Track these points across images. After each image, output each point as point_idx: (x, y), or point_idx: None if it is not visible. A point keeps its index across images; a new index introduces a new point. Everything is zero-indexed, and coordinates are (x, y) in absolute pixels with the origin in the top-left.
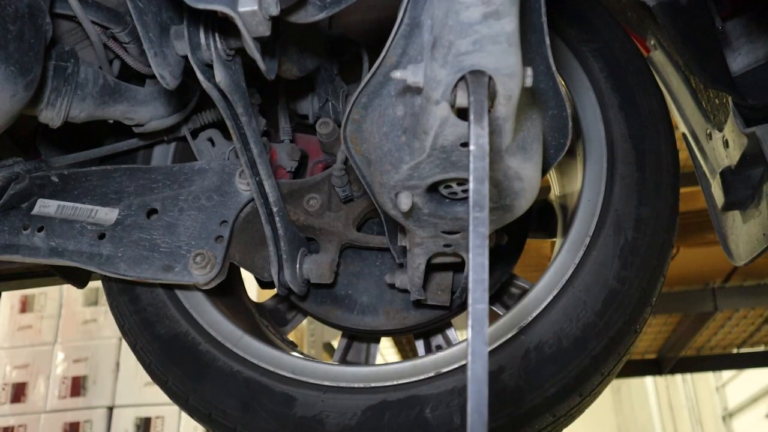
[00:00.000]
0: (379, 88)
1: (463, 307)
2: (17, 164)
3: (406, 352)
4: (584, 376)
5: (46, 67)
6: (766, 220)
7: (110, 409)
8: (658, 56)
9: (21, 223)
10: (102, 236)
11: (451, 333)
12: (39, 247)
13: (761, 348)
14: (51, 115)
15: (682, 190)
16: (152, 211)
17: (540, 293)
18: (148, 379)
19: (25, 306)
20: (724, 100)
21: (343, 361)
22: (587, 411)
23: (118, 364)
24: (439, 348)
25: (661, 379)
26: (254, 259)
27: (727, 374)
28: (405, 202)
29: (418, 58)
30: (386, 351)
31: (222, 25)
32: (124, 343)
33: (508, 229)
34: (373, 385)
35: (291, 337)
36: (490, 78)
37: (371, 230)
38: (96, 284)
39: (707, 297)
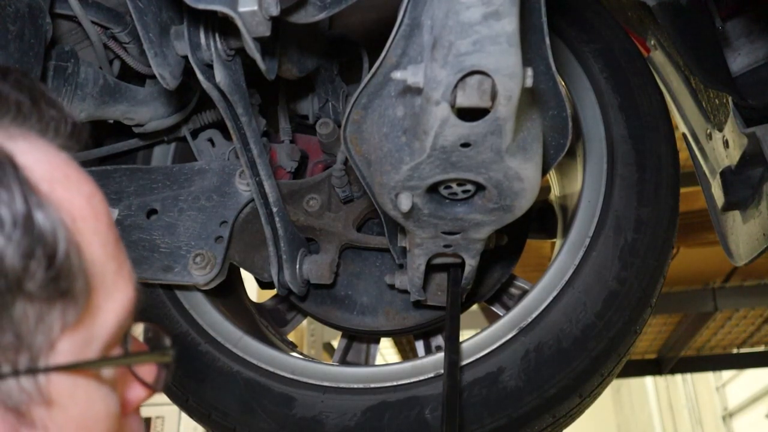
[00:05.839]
0: (379, 89)
1: (463, 307)
2: None
3: (406, 352)
4: (584, 377)
5: (46, 67)
6: (766, 220)
7: None
8: (658, 56)
9: None
10: None
11: None
12: None
13: (761, 348)
14: None
15: (682, 190)
16: (152, 212)
17: (540, 294)
18: None
19: None
20: (724, 100)
21: (343, 361)
22: (587, 411)
23: None
24: (439, 348)
25: (661, 379)
26: (254, 260)
27: (727, 374)
28: (405, 202)
29: (418, 59)
30: (386, 351)
31: (222, 25)
32: None
33: (508, 230)
34: (372, 385)
35: (291, 337)
36: (491, 78)
37: (371, 231)
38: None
39: (707, 297)
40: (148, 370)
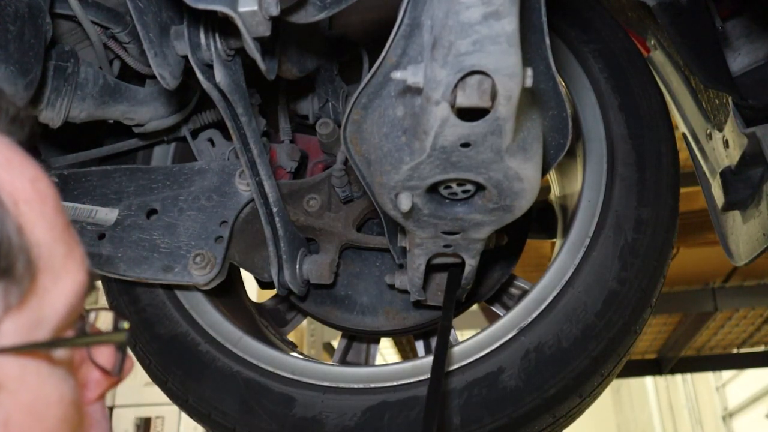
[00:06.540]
0: (379, 89)
1: (463, 307)
2: None
3: (406, 352)
4: (584, 377)
5: (46, 67)
6: (766, 220)
7: (110, 409)
8: (658, 56)
9: None
10: (102, 236)
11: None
12: None
13: (761, 348)
14: (51, 115)
15: (682, 190)
16: (152, 212)
17: (540, 294)
18: (148, 379)
19: None
20: (724, 100)
21: (343, 361)
22: (587, 411)
23: None
24: None
25: (661, 379)
26: (254, 260)
27: (727, 374)
28: (405, 202)
29: (418, 59)
30: (386, 351)
31: (222, 25)
32: None
33: (507, 230)
34: (372, 385)
35: (291, 337)
36: (491, 78)
37: (371, 231)
38: (96, 284)
39: (707, 297)
40: (106, 356)
